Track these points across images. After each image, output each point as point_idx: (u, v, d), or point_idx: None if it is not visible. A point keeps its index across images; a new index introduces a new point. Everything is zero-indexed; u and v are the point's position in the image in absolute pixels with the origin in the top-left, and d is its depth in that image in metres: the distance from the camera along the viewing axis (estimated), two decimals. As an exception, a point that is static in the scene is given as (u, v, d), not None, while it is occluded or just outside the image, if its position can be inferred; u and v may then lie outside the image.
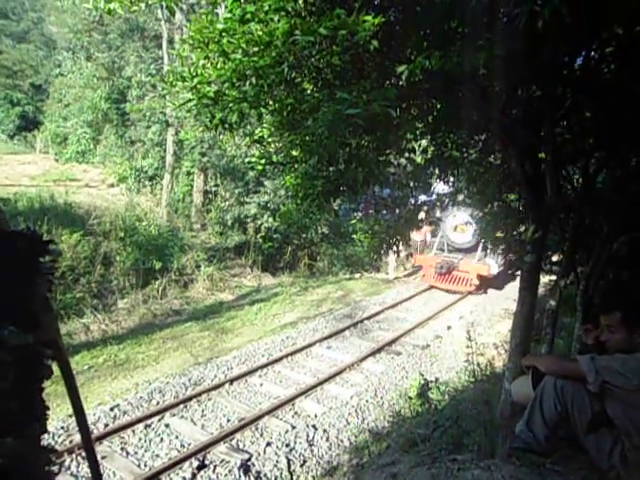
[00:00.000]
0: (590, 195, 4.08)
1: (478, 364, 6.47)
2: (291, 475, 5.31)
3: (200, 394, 6.95)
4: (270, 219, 14.81)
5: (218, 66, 2.84)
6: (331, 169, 3.67)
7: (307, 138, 3.38)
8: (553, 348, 4.19)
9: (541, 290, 6.02)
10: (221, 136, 13.36)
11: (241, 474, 5.23)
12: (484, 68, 2.90)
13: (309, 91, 3.11)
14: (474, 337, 6.36)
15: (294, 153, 3.87)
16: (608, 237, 4.11)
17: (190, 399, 6.80)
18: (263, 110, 3.20)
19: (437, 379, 7.55)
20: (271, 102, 3.18)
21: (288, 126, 3.47)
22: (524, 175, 3.62)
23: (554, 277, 5.12)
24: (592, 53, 3.27)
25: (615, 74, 3.27)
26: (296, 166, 3.94)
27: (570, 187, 4.56)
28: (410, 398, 6.42)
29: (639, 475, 2.19)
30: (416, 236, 15.20)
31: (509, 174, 5.04)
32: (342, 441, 5.98)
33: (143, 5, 3.38)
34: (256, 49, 2.65)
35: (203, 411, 6.57)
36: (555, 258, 6.56)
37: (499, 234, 6.11)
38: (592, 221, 4.46)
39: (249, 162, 4.26)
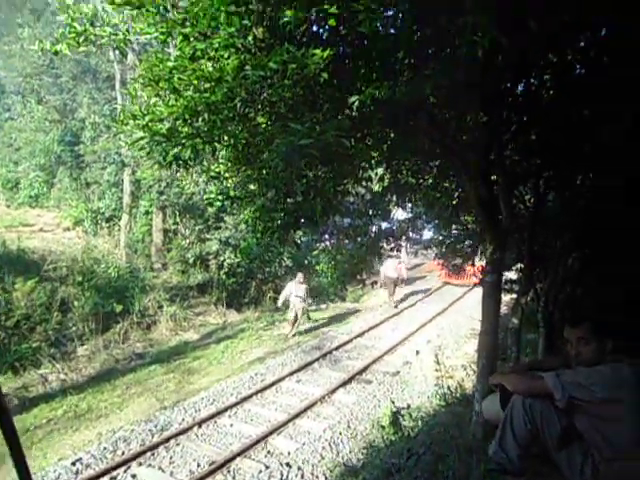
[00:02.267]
0: (541, 214, 4.23)
1: (448, 387, 6.48)
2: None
3: (168, 440, 6.65)
4: (232, 255, 14.65)
5: (170, 103, 2.83)
6: (289, 201, 3.68)
7: (263, 171, 3.40)
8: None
9: (504, 309, 6.13)
10: (178, 174, 13.28)
11: (214, 522, 5.01)
12: (432, 97, 3.01)
13: (263, 125, 3.12)
14: (442, 360, 6.38)
15: (251, 187, 3.87)
16: (561, 253, 4.25)
17: (157, 446, 6.49)
18: (217, 145, 3.20)
19: (409, 405, 7.50)
20: (225, 137, 3.18)
21: (244, 160, 3.48)
22: (478, 198, 3.72)
23: (515, 295, 5.22)
24: (532, 80, 3.44)
25: (553, 98, 3.44)
26: (254, 200, 3.93)
27: (523, 207, 4.72)
28: (383, 427, 6.33)
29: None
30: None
31: (465, 197, 5.18)
32: (317, 477, 5.81)
33: (92, 47, 3.37)
34: (207, 85, 2.66)
35: (172, 457, 6.28)
36: (514, 276, 6.72)
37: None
38: (545, 239, 4.62)
39: (207, 199, 4.21)
